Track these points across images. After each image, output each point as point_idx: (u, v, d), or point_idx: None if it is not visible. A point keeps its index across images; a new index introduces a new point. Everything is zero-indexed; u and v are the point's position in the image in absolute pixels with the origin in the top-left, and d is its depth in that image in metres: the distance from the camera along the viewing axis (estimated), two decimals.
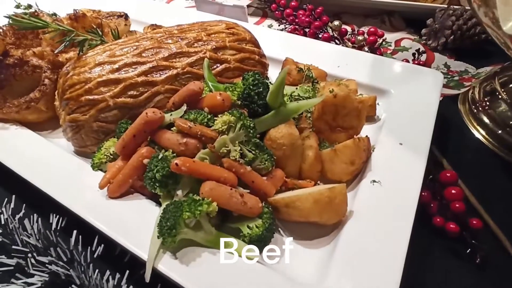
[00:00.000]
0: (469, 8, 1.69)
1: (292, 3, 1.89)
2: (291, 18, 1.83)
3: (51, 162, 1.06)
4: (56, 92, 1.15)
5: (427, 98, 1.20)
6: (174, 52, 1.13)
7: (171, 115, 0.96)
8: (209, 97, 0.96)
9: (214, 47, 1.17)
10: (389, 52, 1.74)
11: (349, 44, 1.69)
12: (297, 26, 1.82)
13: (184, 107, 0.96)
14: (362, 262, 0.80)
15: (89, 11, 1.70)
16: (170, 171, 0.84)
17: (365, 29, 1.89)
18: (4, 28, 1.32)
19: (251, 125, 0.91)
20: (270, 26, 1.97)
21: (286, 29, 1.90)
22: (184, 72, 1.12)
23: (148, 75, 1.09)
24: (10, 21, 1.08)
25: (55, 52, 1.14)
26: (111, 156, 1.02)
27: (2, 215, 1.00)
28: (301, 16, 1.80)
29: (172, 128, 0.95)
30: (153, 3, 2.07)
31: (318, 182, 1.04)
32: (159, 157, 0.86)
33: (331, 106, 1.03)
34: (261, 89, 0.98)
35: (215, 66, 1.17)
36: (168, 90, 1.11)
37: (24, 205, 1.03)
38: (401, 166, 0.99)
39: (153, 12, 1.82)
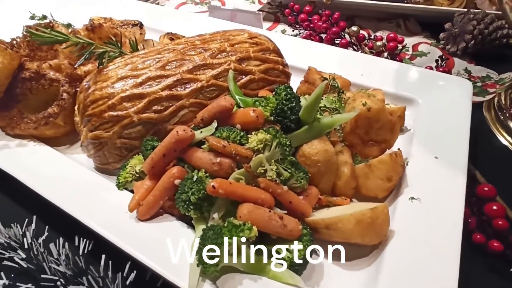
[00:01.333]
0: (490, 12, 1.66)
1: (306, 8, 1.85)
2: (306, 23, 1.79)
3: (72, 180, 1.02)
4: (76, 108, 1.11)
5: (458, 108, 1.17)
6: (198, 64, 1.09)
7: (201, 132, 0.92)
8: (241, 113, 0.92)
9: (239, 58, 1.13)
10: (407, 57, 1.71)
11: (367, 50, 1.66)
12: (312, 32, 1.79)
13: (215, 124, 0.92)
14: (410, 286, 0.77)
15: (100, 19, 1.65)
16: (205, 193, 0.81)
17: (380, 33, 1.86)
18: (18, 39, 1.28)
19: (287, 143, 0.87)
20: (283, 31, 1.93)
21: (301, 35, 1.86)
22: (208, 84, 1.08)
23: (173, 89, 1.04)
24: (29, 35, 1.03)
25: (75, 65, 1.09)
26: (137, 175, 0.98)
27: (25, 238, 0.96)
28: (316, 21, 1.77)
29: (202, 146, 0.91)
30: (163, 9, 2.02)
31: (352, 198, 1.01)
32: (194, 179, 0.82)
33: (364, 119, 1.00)
34: (294, 104, 0.94)
35: (239, 78, 1.13)
36: (193, 104, 1.07)
37: (47, 226, 0.99)
38: (440, 182, 0.95)
39: (163, 18, 1.78)
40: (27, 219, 1.01)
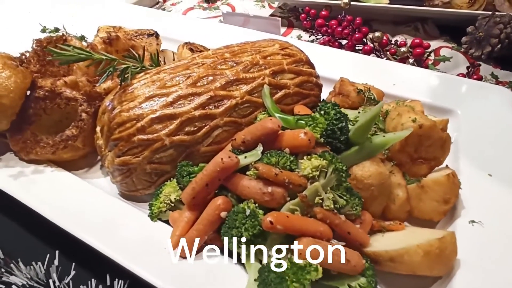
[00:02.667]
0: None
1: (322, 12, 1.78)
2: (324, 28, 1.72)
3: (98, 210, 0.93)
4: (98, 129, 1.01)
5: (502, 119, 1.11)
6: (231, 79, 1.01)
7: (245, 157, 0.84)
8: (290, 136, 0.84)
9: (272, 71, 1.06)
10: (430, 62, 1.66)
11: (390, 56, 1.60)
12: (331, 38, 1.72)
13: (261, 148, 0.84)
14: None
15: (108, 28, 1.55)
16: (261, 229, 0.73)
17: (401, 38, 1.81)
18: (28, 54, 1.17)
19: (344, 168, 0.79)
20: (299, 37, 1.86)
21: (318, 41, 1.79)
22: (243, 101, 1.00)
23: (206, 108, 0.96)
24: (49, 53, 0.93)
25: (98, 84, 0.99)
26: (172, 204, 0.90)
27: (50, 279, 0.86)
28: (335, 26, 1.70)
29: (248, 173, 0.83)
30: (172, 16, 1.93)
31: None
32: (247, 213, 0.74)
33: (415, 137, 0.93)
34: (344, 123, 0.87)
35: (274, 92, 1.05)
36: (227, 123, 0.98)
37: (73, 264, 0.90)
38: (500, 202, 0.89)
39: (173, 25, 1.69)
40: (48, 255, 0.92)
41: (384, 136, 0.88)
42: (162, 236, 0.86)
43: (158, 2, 2.13)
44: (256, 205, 0.79)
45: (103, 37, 1.14)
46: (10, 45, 1.50)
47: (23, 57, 1.17)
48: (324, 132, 0.85)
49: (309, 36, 1.82)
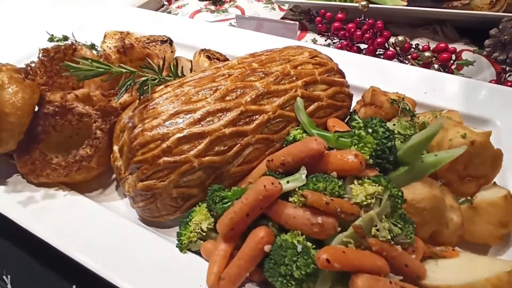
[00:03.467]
0: None
1: (339, 15, 1.70)
2: (341, 32, 1.64)
3: (118, 240, 0.84)
4: (116, 149, 0.92)
5: None
6: (262, 92, 0.92)
7: (287, 182, 0.75)
8: (337, 158, 0.75)
9: (304, 82, 0.97)
10: (453, 67, 1.59)
11: (413, 61, 1.52)
12: (349, 42, 1.64)
13: (304, 172, 0.75)
14: None
15: (116, 33, 1.46)
16: (315, 267, 0.64)
17: (420, 41, 1.74)
18: (33, 65, 1.07)
19: (400, 194, 0.72)
20: (314, 41, 1.78)
21: (335, 45, 1.71)
22: (275, 116, 0.92)
23: (237, 124, 0.87)
24: (67, 68, 0.83)
25: (116, 100, 0.90)
26: (204, 233, 0.81)
27: None
28: (353, 30, 1.62)
29: (290, 199, 0.74)
30: (179, 19, 1.83)
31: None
32: (298, 249, 0.66)
33: (466, 154, 0.85)
34: (393, 142, 0.79)
35: (306, 105, 0.96)
36: (258, 140, 0.90)
37: None
38: None
39: (182, 29, 1.59)
40: None
41: (436, 155, 0.81)
42: (194, 270, 0.77)
43: (163, 5, 2.03)
44: (303, 236, 0.70)
45: (117, 46, 1.05)
46: (10, 46, 1.41)
47: (29, 68, 1.07)
48: (373, 153, 0.77)
49: (325, 40, 1.74)
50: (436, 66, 1.46)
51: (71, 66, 0.82)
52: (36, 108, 0.99)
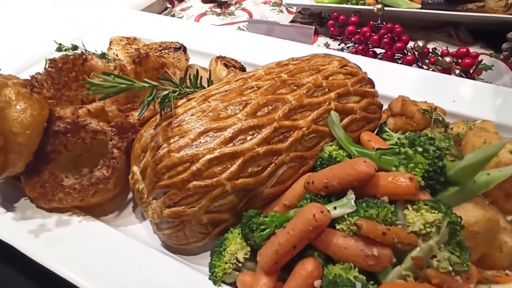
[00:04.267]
0: None
1: (352, 19, 1.64)
2: (356, 36, 1.58)
3: (144, 273, 0.77)
4: (137, 171, 0.83)
5: None
6: (294, 105, 0.85)
7: (334, 208, 0.69)
8: (388, 181, 0.69)
9: (337, 94, 0.91)
10: (471, 71, 1.55)
11: (433, 66, 1.47)
12: (364, 46, 1.58)
13: (352, 196, 0.69)
14: None
15: (122, 39, 1.38)
16: None
17: (434, 45, 1.69)
18: (39, 77, 0.98)
19: (459, 220, 0.66)
20: (326, 45, 1.71)
21: (349, 49, 1.65)
22: (309, 131, 0.85)
23: (271, 142, 0.80)
24: (87, 86, 0.75)
25: (138, 116, 0.82)
26: (240, 264, 0.74)
27: None
28: (368, 34, 1.56)
29: (338, 227, 0.68)
30: (186, 23, 1.75)
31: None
32: (358, 287, 0.59)
33: None
34: (443, 162, 0.73)
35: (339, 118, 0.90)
36: (293, 159, 0.83)
37: None
38: None
39: (190, 34, 1.50)
40: None
41: (488, 174, 0.75)
42: None
43: (166, 8, 1.95)
44: (356, 269, 0.64)
45: (132, 55, 0.96)
46: (10, 51, 1.32)
47: (34, 81, 0.98)
48: (425, 174, 0.71)
49: (338, 45, 1.68)
50: (457, 71, 1.42)
51: (92, 84, 0.73)
52: (45, 125, 0.91)
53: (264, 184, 0.81)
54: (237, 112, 0.82)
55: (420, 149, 0.73)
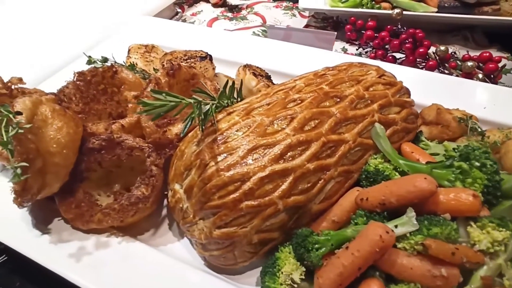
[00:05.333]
0: None
1: (370, 23, 1.63)
2: (376, 41, 1.57)
3: None
4: (180, 189, 0.80)
5: None
6: (339, 118, 0.83)
7: (396, 226, 0.67)
8: (448, 197, 0.67)
9: (380, 105, 0.89)
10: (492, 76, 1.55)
11: (454, 71, 1.47)
12: (384, 51, 1.57)
13: (413, 214, 0.67)
14: None
15: (140, 47, 1.34)
16: None
17: (452, 48, 1.69)
18: (66, 90, 0.94)
19: None
20: (344, 50, 1.70)
21: (367, 54, 1.64)
22: (355, 145, 0.83)
23: (320, 158, 0.78)
24: (141, 106, 0.71)
25: (182, 134, 0.78)
26: (295, 285, 0.71)
27: None
28: (387, 38, 1.55)
29: (399, 246, 0.66)
30: (201, 29, 1.71)
31: None
32: None
33: None
34: (499, 176, 0.71)
35: None
36: (340, 173, 0.81)
37: None
38: None
39: (207, 41, 1.47)
40: None
41: None
42: None
43: (177, 13, 1.91)
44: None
45: (166, 67, 0.93)
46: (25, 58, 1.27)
47: (62, 95, 0.94)
48: (484, 189, 0.70)
49: (356, 49, 1.67)
50: (480, 76, 1.41)
51: (146, 103, 0.70)
52: None
53: (313, 201, 0.79)
54: (284, 127, 0.79)
55: (477, 164, 0.72)
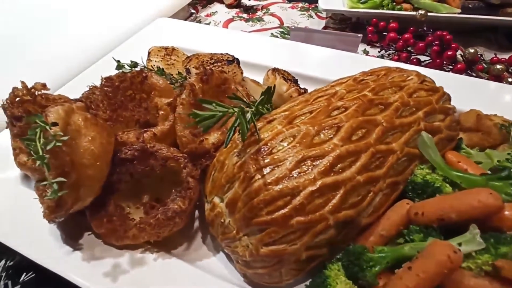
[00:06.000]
0: None
1: (392, 25, 1.59)
2: (400, 43, 1.53)
3: None
4: (221, 203, 0.76)
5: None
6: (386, 127, 0.79)
7: (459, 244, 0.63)
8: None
9: (425, 113, 0.85)
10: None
11: (482, 74, 1.43)
12: (408, 54, 1.52)
13: (477, 231, 0.63)
14: None
15: (161, 49, 1.29)
16: None
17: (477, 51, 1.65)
18: (93, 96, 0.90)
19: None
20: (365, 52, 1.66)
21: (390, 56, 1.60)
22: (402, 155, 0.79)
23: (369, 169, 0.74)
24: (191, 117, 0.66)
25: (225, 146, 0.73)
26: None
27: None
28: (411, 41, 1.51)
29: (464, 264, 0.62)
30: (221, 31, 1.66)
31: None
32: None
33: None
34: None
35: None
36: (388, 185, 0.77)
37: None
38: None
39: (227, 43, 1.42)
40: None
41: None
42: None
43: (191, 14, 1.86)
44: None
45: (199, 73, 0.88)
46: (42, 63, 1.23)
47: (89, 102, 0.89)
48: None
49: (379, 52, 1.63)
50: (510, 80, 1.38)
51: (198, 115, 0.65)
52: None
53: (362, 214, 0.75)
54: (331, 137, 0.75)
55: None
